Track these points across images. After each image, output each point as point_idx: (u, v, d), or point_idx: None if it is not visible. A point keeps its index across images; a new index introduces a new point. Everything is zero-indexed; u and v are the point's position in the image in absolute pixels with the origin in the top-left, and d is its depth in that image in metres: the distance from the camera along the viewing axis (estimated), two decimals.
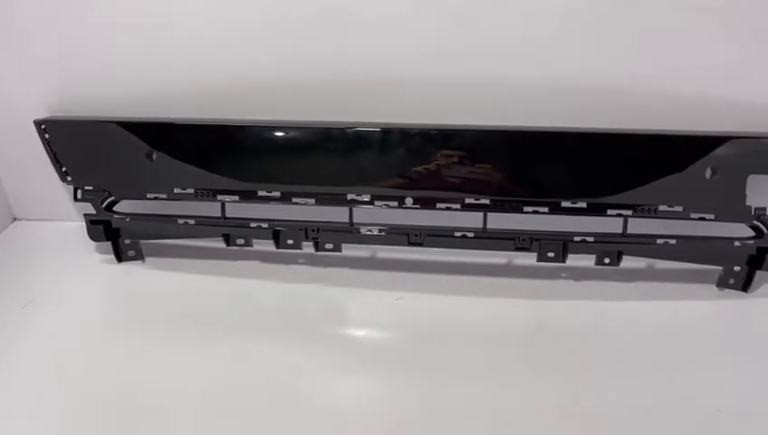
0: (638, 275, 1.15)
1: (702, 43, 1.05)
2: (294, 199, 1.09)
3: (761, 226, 1.06)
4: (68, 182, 1.16)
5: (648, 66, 1.07)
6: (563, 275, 1.15)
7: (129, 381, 0.95)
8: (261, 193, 1.10)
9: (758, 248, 1.07)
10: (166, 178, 1.12)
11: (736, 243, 1.06)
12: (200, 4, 1.10)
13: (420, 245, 1.11)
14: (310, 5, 1.08)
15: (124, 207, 1.19)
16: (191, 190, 1.11)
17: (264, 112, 1.11)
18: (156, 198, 1.13)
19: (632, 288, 1.12)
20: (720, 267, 1.10)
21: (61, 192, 1.26)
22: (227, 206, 1.12)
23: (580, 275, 1.15)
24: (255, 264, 1.19)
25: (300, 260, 1.20)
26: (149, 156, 1.11)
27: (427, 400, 0.91)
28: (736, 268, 1.10)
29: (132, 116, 1.13)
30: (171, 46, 1.13)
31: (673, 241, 1.07)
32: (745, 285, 1.10)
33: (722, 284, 1.11)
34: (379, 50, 1.10)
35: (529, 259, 1.12)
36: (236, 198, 1.10)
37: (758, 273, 1.09)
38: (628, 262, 1.12)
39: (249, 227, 1.13)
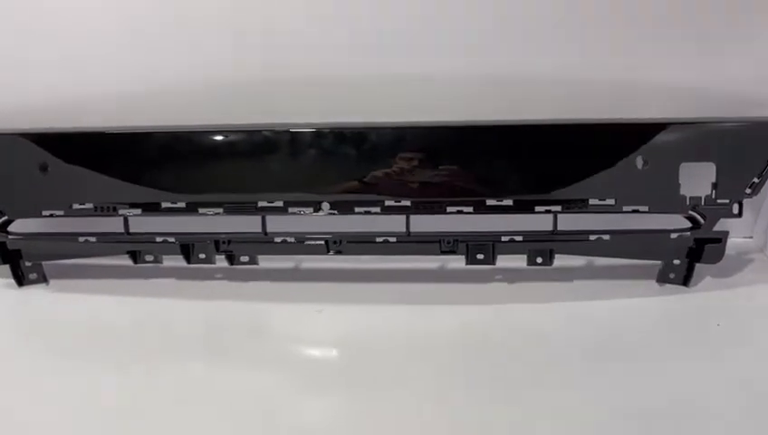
0: (576, 273, 1.12)
1: (621, 28, 1.04)
2: (201, 210, 1.04)
3: (697, 216, 1.03)
4: None
5: (567, 54, 1.07)
6: (497, 277, 1.11)
7: (32, 415, 0.86)
8: (165, 204, 1.05)
9: (696, 240, 1.04)
10: (62, 192, 1.06)
11: (673, 235, 1.03)
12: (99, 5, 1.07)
13: (340, 253, 1.07)
14: (207, 7, 1.06)
15: (22, 226, 1.12)
16: (90, 205, 1.06)
17: (165, 118, 1.08)
18: (52, 215, 1.07)
19: (570, 288, 1.09)
20: (659, 262, 1.07)
21: None
22: (131, 220, 1.07)
23: (514, 276, 1.11)
24: (170, 281, 1.14)
25: (217, 275, 1.15)
26: (43, 169, 1.05)
27: (354, 416, 0.85)
28: (676, 262, 1.06)
29: (21, 127, 1.07)
30: (62, 48, 1.10)
31: (607, 237, 1.03)
32: (686, 279, 1.07)
33: (662, 278, 1.07)
34: (278, 51, 1.08)
35: (460, 263, 1.08)
36: (139, 211, 1.05)
37: (698, 265, 1.06)
38: (565, 260, 1.09)
39: (155, 242, 1.08)
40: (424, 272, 1.14)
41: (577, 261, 1.13)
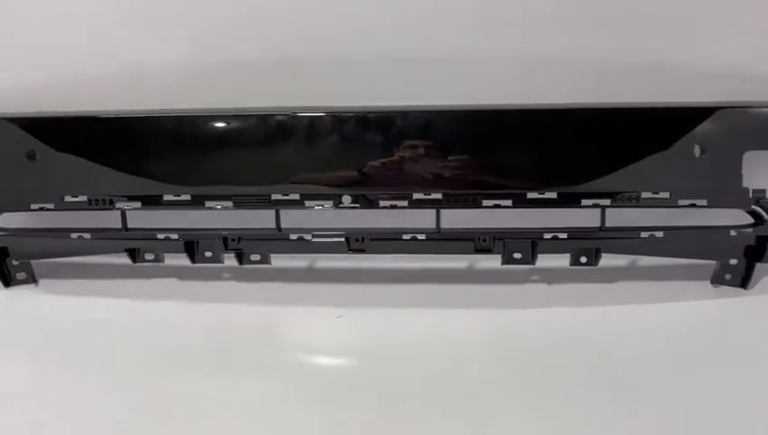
0: (620, 274, 1.06)
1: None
2: (208, 203, 0.99)
3: (761, 211, 0.96)
4: None
5: (614, 35, 1.01)
6: (534, 278, 1.06)
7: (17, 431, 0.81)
8: (167, 197, 1.00)
9: (757, 237, 0.97)
10: (53, 183, 1.01)
11: (732, 232, 0.97)
12: None
13: (363, 251, 1.02)
14: None
15: (9, 221, 1.06)
16: (84, 198, 1.01)
17: (168, 100, 1.03)
18: (42, 209, 1.02)
19: (614, 290, 1.03)
20: (714, 261, 1.01)
21: None
22: (129, 214, 1.01)
23: (552, 277, 1.05)
24: (172, 282, 1.09)
25: (224, 275, 1.10)
26: (31, 157, 1.00)
27: None
28: (733, 262, 1.00)
29: (6, 111, 1.02)
30: (53, 22, 1.04)
31: (660, 234, 0.97)
32: (744, 281, 1.00)
33: (717, 280, 1.01)
34: (292, 28, 1.03)
35: (493, 262, 1.03)
36: (138, 204, 1.00)
37: (758, 265, 1.00)
38: (606, 260, 1.03)
39: (156, 239, 1.02)
40: (453, 272, 1.09)
41: (619, 260, 1.07)
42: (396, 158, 0.96)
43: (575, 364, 0.88)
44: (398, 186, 0.97)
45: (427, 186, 0.96)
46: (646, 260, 1.07)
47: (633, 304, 0.99)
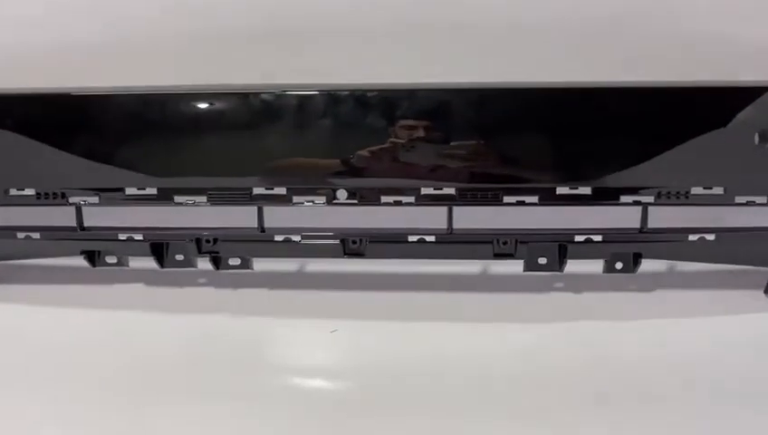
0: (659, 281, 0.99)
1: None
2: (177, 198, 0.93)
3: None
4: None
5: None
6: (558, 286, 0.99)
7: None
8: (130, 191, 0.93)
9: None
10: None
11: None
12: None
13: (361, 255, 0.96)
14: None
15: None
16: (32, 191, 0.95)
17: (131, 76, 0.96)
18: None
19: (652, 301, 0.96)
20: None
21: None
22: (85, 211, 0.96)
23: (581, 285, 0.98)
24: (137, 288, 1.03)
25: (200, 281, 1.03)
26: None
27: None
28: None
29: None
30: None
31: (711, 236, 0.90)
32: None
33: None
34: None
35: (513, 267, 0.97)
36: (96, 198, 0.94)
37: None
38: (644, 265, 0.97)
39: (117, 240, 0.97)
40: (465, 279, 1.02)
41: (656, 266, 1.00)
42: (401, 145, 0.88)
43: (608, 388, 0.81)
44: (403, 178, 0.90)
45: (437, 178, 0.90)
46: (686, 266, 1.00)
47: (674, 317, 0.93)
